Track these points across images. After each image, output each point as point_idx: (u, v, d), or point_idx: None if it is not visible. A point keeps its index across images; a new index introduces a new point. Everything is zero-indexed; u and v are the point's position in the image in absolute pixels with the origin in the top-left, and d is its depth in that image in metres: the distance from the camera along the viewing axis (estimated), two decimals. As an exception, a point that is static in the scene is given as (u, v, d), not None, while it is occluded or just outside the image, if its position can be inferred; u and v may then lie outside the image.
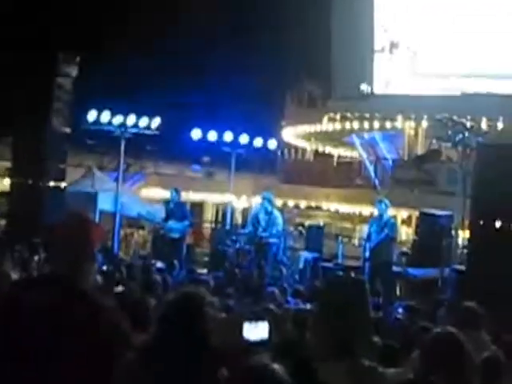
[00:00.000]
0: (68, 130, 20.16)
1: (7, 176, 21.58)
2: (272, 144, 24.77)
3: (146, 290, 9.38)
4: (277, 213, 18.53)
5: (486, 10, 25.15)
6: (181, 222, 18.60)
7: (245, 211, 31.36)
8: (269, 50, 35.12)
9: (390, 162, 27.80)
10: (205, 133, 23.61)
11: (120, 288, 9.65)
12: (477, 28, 24.94)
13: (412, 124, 27.34)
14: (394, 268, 16.31)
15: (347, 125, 28.06)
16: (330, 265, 18.60)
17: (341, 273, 16.76)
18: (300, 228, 23.93)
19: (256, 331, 3.14)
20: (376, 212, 16.99)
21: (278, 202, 23.92)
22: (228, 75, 35.14)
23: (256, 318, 3.18)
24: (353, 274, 14.31)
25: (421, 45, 26.48)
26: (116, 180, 21.37)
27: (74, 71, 19.89)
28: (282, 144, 31.14)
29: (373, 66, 27.29)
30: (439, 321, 9.07)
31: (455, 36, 25.32)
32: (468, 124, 17.56)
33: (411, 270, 16.50)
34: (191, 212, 21.20)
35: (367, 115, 27.14)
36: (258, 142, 23.95)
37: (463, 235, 16.81)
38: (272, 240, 17.97)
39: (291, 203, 29.83)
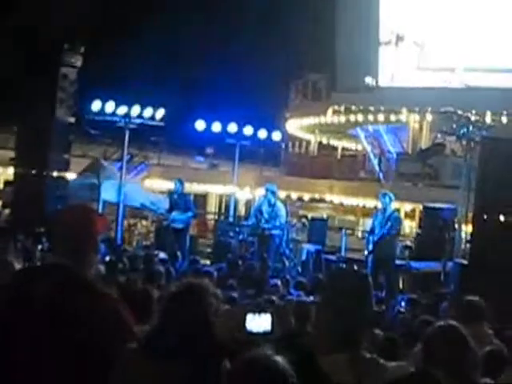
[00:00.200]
0: (72, 120, 20.17)
1: (11, 165, 21.58)
2: (276, 136, 24.75)
3: (149, 280, 9.40)
4: (280, 205, 18.52)
5: (493, 4, 25.09)
6: (184, 213, 18.62)
7: (248, 203, 31.38)
8: (274, 41, 35.06)
9: (394, 156, 27.78)
10: (209, 124, 23.60)
11: (123, 278, 9.66)
12: (483, 21, 24.88)
13: (416, 117, 27.32)
14: (397, 261, 16.31)
15: (352, 117, 28.05)
16: (332, 257, 18.59)
17: (344, 265, 16.78)
18: (303, 220, 23.94)
19: (259, 323, 3.14)
20: (380, 205, 16.98)
21: (282, 194, 23.89)
22: (233, 67, 35.10)
23: (259, 309, 3.19)
24: (356, 267, 14.33)
25: (427, 38, 26.42)
26: (119, 170, 21.36)
27: (78, 61, 19.89)
28: (286, 136, 31.12)
29: (378, 58, 27.25)
30: (441, 314, 9.07)
31: (461, 29, 25.26)
32: (472, 118, 17.53)
33: (414, 264, 16.50)
34: (195, 203, 21.18)
35: (372, 108, 27.12)
36: (262, 133, 23.93)
37: (466, 229, 16.80)
38: (275, 232, 17.97)
39: (294, 195, 29.82)
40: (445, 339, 4.24)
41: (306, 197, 30.23)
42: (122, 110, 20.23)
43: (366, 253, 16.40)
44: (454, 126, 16.89)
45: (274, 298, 8.37)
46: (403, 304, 11.87)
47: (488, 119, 21.58)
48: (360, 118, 27.72)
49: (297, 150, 36.70)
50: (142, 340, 3.65)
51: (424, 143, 27.26)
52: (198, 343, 3.42)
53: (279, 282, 11.70)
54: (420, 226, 19.41)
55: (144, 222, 24.97)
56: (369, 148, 29.66)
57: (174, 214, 18.56)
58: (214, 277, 10.65)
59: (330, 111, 28.92)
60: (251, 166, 32.33)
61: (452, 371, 3.92)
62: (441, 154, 23.71)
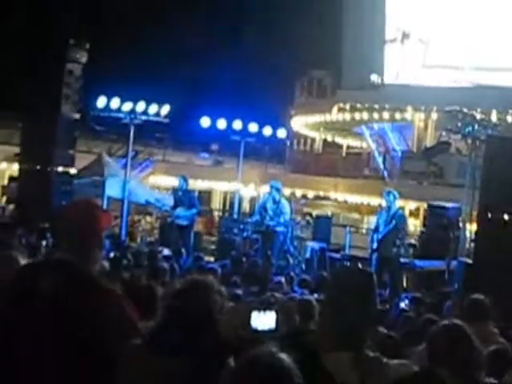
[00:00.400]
0: (77, 116, 20.20)
1: (16, 161, 21.60)
2: (281, 133, 24.75)
3: (153, 276, 9.40)
4: (285, 202, 18.52)
5: (499, 2, 25.04)
6: (189, 210, 18.64)
7: (252, 200, 31.39)
8: (279, 39, 35.05)
9: (399, 154, 27.74)
10: (214, 121, 23.61)
11: (127, 274, 9.66)
12: (488, 20, 24.82)
13: (422, 115, 27.29)
14: (402, 260, 16.30)
15: (357, 115, 28.03)
16: (337, 255, 18.58)
17: (348, 263, 16.77)
18: (307, 218, 23.91)
19: (264, 320, 3.14)
20: (384, 203, 16.96)
21: (286, 192, 23.88)
22: (238, 64, 35.08)
23: (264, 307, 3.18)
24: (360, 265, 14.32)
25: (432, 36, 26.37)
26: (124, 167, 21.37)
27: (83, 57, 19.92)
28: (290, 133, 31.11)
29: (383, 56, 27.20)
30: (446, 313, 9.06)
31: (467, 27, 25.21)
32: (478, 116, 17.51)
33: (418, 262, 16.48)
34: (199, 200, 21.20)
35: (377, 106, 27.09)
36: (267, 130, 23.92)
37: (471, 228, 16.78)
38: (279, 229, 17.97)
39: (299, 193, 29.81)
40: (449, 338, 4.24)
41: (311, 194, 30.22)
42: (127, 106, 20.24)
43: (370, 251, 16.41)
44: (460, 124, 16.86)
45: (279, 295, 8.36)
46: (407, 302, 11.85)
47: (493, 118, 21.55)
48: (365, 115, 27.70)
49: (302, 148, 36.67)
50: (146, 336, 3.65)
51: (429, 141, 27.22)
52: (202, 340, 3.42)
53: (283, 280, 11.69)
54: (424, 225, 19.39)
55: (148, 219, 24.98)
56: (374, 146, 29.63)
57: (179, 211, 18.58)
58: (219, 274, 10.65)
59: (335, 109, 28.90)
60: (256, 163, 32.36)
61: (456, 370, 3.92)
62: (446, 152, 23.68)
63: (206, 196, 34.13)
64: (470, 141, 17.11)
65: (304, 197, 30.38)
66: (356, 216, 30.75)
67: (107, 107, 20.30)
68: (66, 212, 4.37)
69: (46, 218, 16.35)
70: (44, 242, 13.31)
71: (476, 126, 16.59)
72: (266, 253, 17.44)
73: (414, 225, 24.58)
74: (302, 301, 7.69)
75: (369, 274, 3.87)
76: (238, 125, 23.26)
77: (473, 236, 16.01)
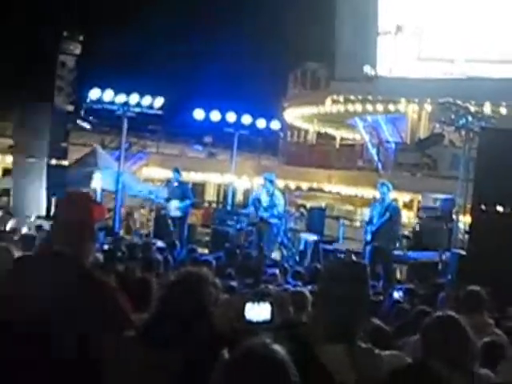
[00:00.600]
0: (70, 108, 20.14)
1: (10, 153, 21.57)
2: (275, 125, 24.73)
3: (147, 269, 9.40)
4: (278, 194, 18.53)
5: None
6: (182, 202, 18.65)
7: (246, 192, 31.39)
8: (273, 30, 35.01)
9: (393, 146, 27.76)
10: (207, 113, 23.59)
11: (121, 267, 9.66)
12: (482, 12, 24.82)
13: (415, 107, 27.29)
14: (395, 251, 16.32)
15: (350, 107, 28.02)
16: (330, 247, 18.61)
17: (341, 255, 16.80)
18: (301, 210, 23.92)
19: (258, 312, 3.14)
20: (378, 195, 16.98)
21: (280, 184, 23.90)
22: (232, 56, 35.06)
23: (258, 298, 3.19)
24: (354, 257, 14.34)
25: (426, 28, 26.35)
26: (118, 159, 21.35)
27: (77, 49, 19.86)
28: (284, 125, 31.10)
29: (377, 48, 27.19)
30: (439, 304, 9.08)
31: (460, 20, 25.20)
32: (472, 108, 17.51)
33: (412, 254, 16.52)
34: (193, 192, 21.19)
35: (370, 98, 27.08)
36: (261, 123, 23.91)
37: (464, 219, 16.81)
38: (273, 221, 17.99)
39: (293, 185, 29.82)
40: (443, 329, 4.25)
41: (305, 186, 30.23)
42: (121, 98, 20.20)
43: (364, 243, 16.43)
44: (453, 116, 16.84)
45: (272, 287, 8.37)
46: (400, 294, 11.87)
47: (487, 110, 21.58)
48: (359, 107, 27.69)
49: (295, 140, 36.66)
50: (140, 328, 3.65)
51: (423, 133, 27.22)
52: (196, 332, 3.42)
53: (277, 272, 11.70)
54: (418, 217, 19.42)
55: (142, 211, 24.98)
56: (367, 138, 29.63)
57: (172, 203, 18.59)
58: (213, 266, 10.66)
59: (328, 101, 28.88)
60: (249, 155, 32.35)
61: (450, 361, 3.93)
62: (439, 144, 23.67)
63: (199, 188, 34.11)
64: (463, 133, 17.10)
65: (298, 189, 30.39)
66: (350, 208, 30.77)
67: (100, 99, 20.27)
68: (59, 205, 4.37)
69: (39, 211, 16.36)
70: (38, 235, 13.28)
71: (469, 118, 16.58)
72: (260, 245, 17.46)
73: (408, 217, 24.62)
74: (296, 292, 7.70)
75: (362, 266, 3.88)
76: (231, 117, 23.24)
77: (466, 227, 16.04)
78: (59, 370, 3.60)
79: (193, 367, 3.32)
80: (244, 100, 26.65)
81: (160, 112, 20.90)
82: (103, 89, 20.26)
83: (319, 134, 35.46)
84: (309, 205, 26.50)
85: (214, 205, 31.03)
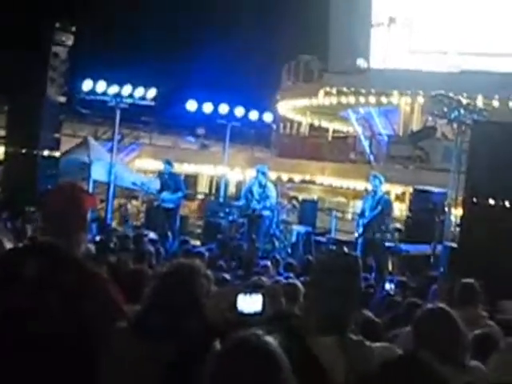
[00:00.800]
0: (63, 99, 20.06)
1: (1, 145, 21.49)
2: (267, 117, 24.71)
3: (139, 260, 9.41)
4: (271, 186, 18.54)
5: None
6: (174, 194, 18.65)
7: (239, 184, 31.37)
8: (266, 23, 34.97)
9: (385, 138, 27.78)
10: (200, 104, 23.57)
11: (113, 258, 9.66)
12: (475, 5, 24.83)
13: (408, 100, 27.30)
14: (387, 244, 16.36)
15: (343, 99, 28.00)
16: (322, 239, 18.65)
17: (333, 247, 16.82)
18: (294, 202, 23.95)
19: (250, 304, 3.15)
20: (370, 187, 17.00)
21: (272, 176, 23.90)
22: (225, 48, 35.00)
23: (250, 290, 3.19)
24: (345, 249, 14.35)
25: (419, 21, 26.34)
26: (110, 150, 21.31)
27: (69, 40, 19.76)
28: (277, 117, 31.09)
29: (370, 40, 27.17)
30: (431, 297, 9.11)
31: (452, 12, 25.20)
32: (464, 101, 17.51)
33: (404, 246, 16.55)
34: (185, 183, 21.19)
35: (363, 90, 27.08)
36: (254, 114, 23.89)
37: (456, 212, 16.84)
38: (265, 213, 18.00)
39: (285, 177, 29.82)
40: (434, 322, 4.26)
41: (297, 178, 30.23)
42: (113, 89, 20.16)
43: (356, 235, 16.46)
44: (446, 109, 16.84)
45: (265, 279, 8.38)
46: (392, 286, 11.91)
47: (479, 103, 21.58)
48: (351, 100, 27.69)
49: (288, 132, 36.64)
50: (131, 319, 3.65)
51: (415, 126, 27.23)
52: (188, 323, 3.42)
53: (269, 263, 11.72)
54: (410, 209, 19.45)
55: (134, 202, 24.96)
56: (360, 130, 29.64)
57: (164, 194, 18.59)
58: (205, 257, 10.67)
59: (321, 93, 28.86)
60: (242, 147, 32.36)
61: (441, 354, 3.95)
62: (432, 137, 23.70)
63: (192, 180, 34.11)
64: (455, 125, 17.11)
65: (290, 181, 30.39)
66: (342, 200, 30.80)
67: (93, 90, 20.22)
68: (49, 195, 4.36)
69: (31, 202, 16.31)
70: (30, 226, 13.27)
71: (462, 111, 16.58)
72: (252, 237, 17.47)
73: (400, 209, 24.66)
74: (288, 284, 7.71)
75: (354, 258, 3.89)
76: (224, 109, 23.22)
77: (458, 220, 16.07)
78: (51, 360, 3.60)
79: (185, 359, 3.32)
80: (237, 92, 26.64)
81: (153, 103, 20.85)
82: (96, 80, 20.22)
83: (312, 127, 35.45)
84: (301, 197, 26.53)
85: (201, 196, 30.99)
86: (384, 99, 26.95)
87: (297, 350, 3.17)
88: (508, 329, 6.64)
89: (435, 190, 18.28)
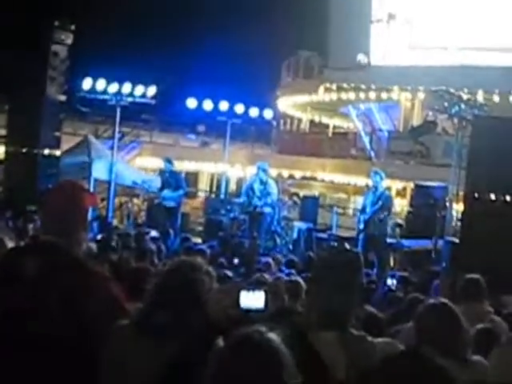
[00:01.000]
0: (63, 98, 20.06)
1: (2, 144, 21.48)
2: (268, 114, 24.71)
3: (140, 258, 9.42)
4: (271, 183, 18.55)
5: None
6: (175, 191, 18.65)
7: (239, 181, 31.38)
8: (266, 18, 34.91)
9: (386, 134, 27.76)
10: (200, 102, 23.56)
11: (115, 256, 9.67)
12: (475, 0, 24.81)
13: (408, 95, 27.27)
14: (388, 239, 16.36)
15: (343, 95, 27.97)
16: (324, 235, 18.65)
17: (335, 244, 16.82)
18: (294, 198, 23.95)
19: (253, 300, 3.15)
20: (371, 183, 17.01)
21: (273, 172, 23.91)
22: (224, 45, 34.97)
23: (253, 287, 3.20)
24: (347, 245, 14.36)
25: (418, 16, 26.30)
26: (111, 148, 21.31)
27: (69, 39, 19.75)
28: (277, 114, 31.08)
29: (370, 36, 27.15)
30: (432, 292, 9.11)
31: (452, 8, 25.16)
32: (464, 96, 17.51)
33: (405, 242, 16.56)
34: (186, 181, 21.20)
35: (363, 86, 27.05)
36: (254, 111, 23.89)
37: (457, 207, 16.85)
38: (266, 210, 18.01)
39: (286, 173, 29.82)
40: (436, 317, 4.27)
41: (298, 175, 30.22)
42: (113, 87, 20.15)
43: (357, 231, 16.46)
44: (446, 104, 16.83)
45: (267, 275, 8.40)
46: (394, 282, 11.92)
47: (480, 98, 21.56)
48: (352, 95, 27.65)
49: (288, 128, 36.62)
50: (133, 317, 3.66)
51: (416, 121, 27.18)
52: (190, 321, 3.43)
53: (271, 260, 11.73)
54: (411, 205, 19.46)
55: (135, 200, 24.95)
56: (360, 126, 29.61)
57: (165, 192, 18.59)
58: (207, 255, 10.67)
59: (321, 89, 28.83)
60: (242, 144, 32.36)
61: (443, 349, 3.95)
62: (432, 132, 23.67)
63: (192, 177, 34.11)
64: (456, 121, 17.11)
65: (291, 177, 30.39)
66: (343, 196, 30.80)
67: (93, 89, 20.22)
68: (50, 194, 4.36)
69: (32, 201, 16.31)
70: (32, 225, 13.27)
71: (462, 106, 16.57)
72: (253, 234, 17.48)
73: (401, 205, 24.66)
74: (291, 281, 7.72)
75: (355, 254, 3.90)
76: (224, 106, 23.23)
77: (459, 215, 16.07)
78: (52, 360, 3.60)
79: (187, 356, 3.33)
80: (237, 89, 26.64)
81: (153, 101, 20.85)
82: (96, 78, 20.22)
83: (312, 123, 35.41)
84: (302, 193, 26.53)
85: (202, 194, 31.01)
86: (384, 95, 26.92)
87: (299, 346, 3.18)
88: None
89: (436, 185, 18.28)
